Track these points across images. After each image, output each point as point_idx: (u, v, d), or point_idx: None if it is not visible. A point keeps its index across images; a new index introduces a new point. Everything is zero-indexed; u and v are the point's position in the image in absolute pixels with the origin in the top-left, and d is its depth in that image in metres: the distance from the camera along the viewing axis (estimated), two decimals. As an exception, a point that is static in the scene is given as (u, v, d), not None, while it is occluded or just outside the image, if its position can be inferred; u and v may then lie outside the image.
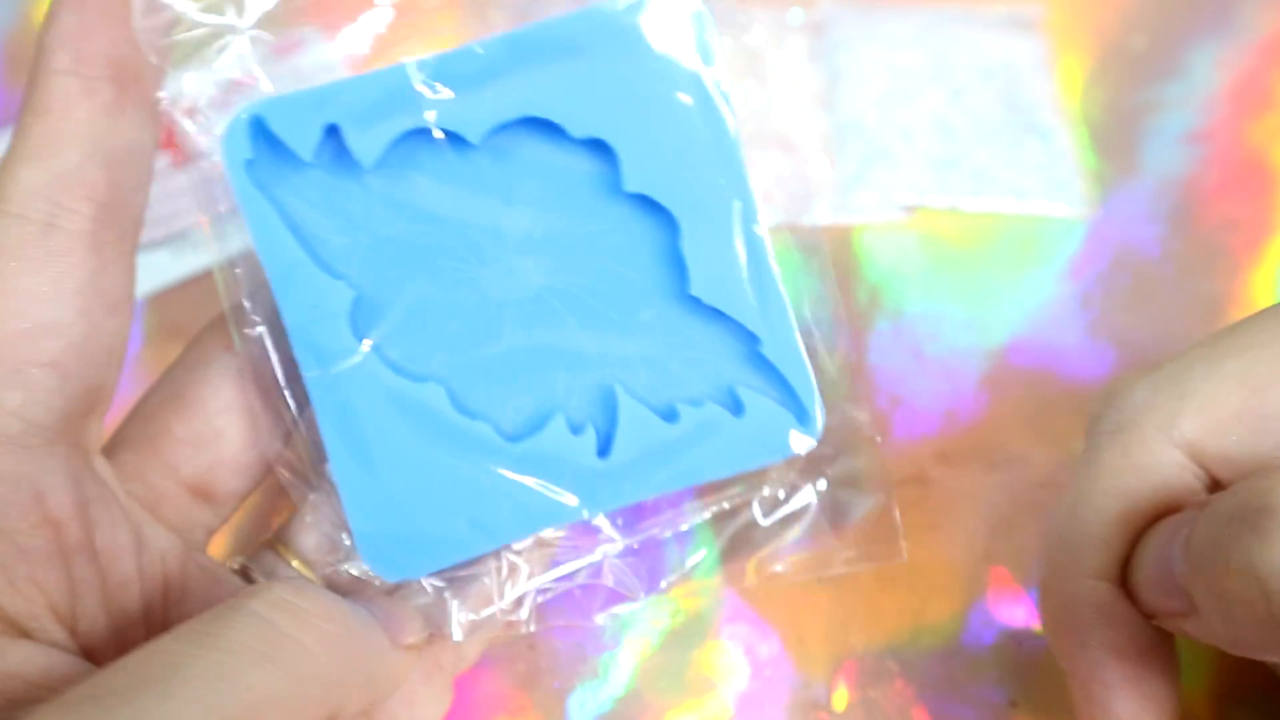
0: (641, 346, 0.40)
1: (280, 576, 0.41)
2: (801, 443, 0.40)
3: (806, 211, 0.46)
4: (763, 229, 0.40)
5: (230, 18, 0.38)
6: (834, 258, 0.43)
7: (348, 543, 0.40)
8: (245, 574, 0.41)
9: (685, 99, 0.39)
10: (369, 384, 0.38)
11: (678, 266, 0.40)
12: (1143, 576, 0.36)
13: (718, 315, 0.40)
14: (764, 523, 0.43)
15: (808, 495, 0.43)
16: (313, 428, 0.39)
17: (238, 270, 0.39)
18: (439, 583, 0.40)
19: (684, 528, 0.43)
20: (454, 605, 0.40)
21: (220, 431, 0.39)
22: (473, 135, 0.38)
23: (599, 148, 0.39)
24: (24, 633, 0.34)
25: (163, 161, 0.38)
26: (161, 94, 0.37)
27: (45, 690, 0.33)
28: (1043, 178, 0.55)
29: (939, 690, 0.44)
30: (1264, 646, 0.33)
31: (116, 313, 0.36)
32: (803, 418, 0.40)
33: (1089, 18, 0.60)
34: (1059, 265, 0.53)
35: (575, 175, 0.39)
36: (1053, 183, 0.55)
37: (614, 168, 0.39)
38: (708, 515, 0.43)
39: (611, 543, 0.42)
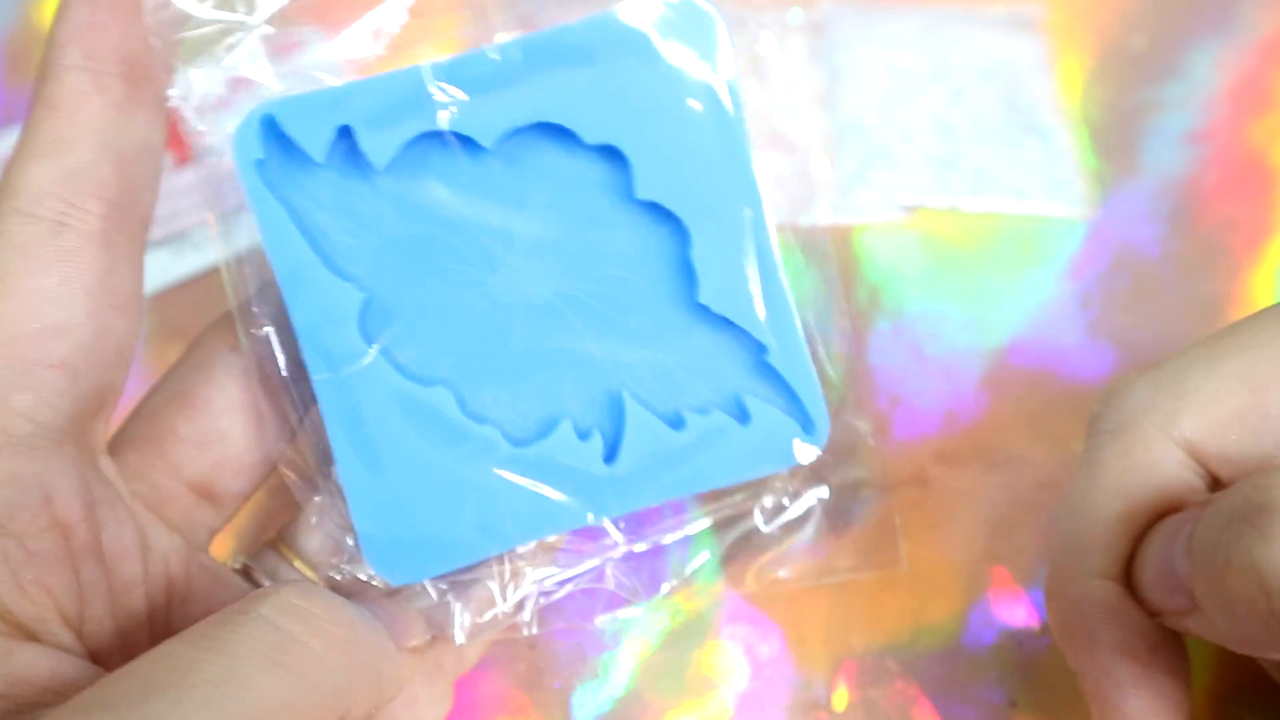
0: (649, 353, 0.40)
1: (283, 577, 0.41)
2: (806, 452, 0.41)
3: (806, 211, 0.46)
4: (772, 238, 0.40)
5: (240, 15, 0.38)
6: (834, 258, 0.43)
7: (352, 545, 0.40)
8: (247, 574, 0.41)
9: (698, 106, 0.39)
10: (377, 387, 0.39)
11: (687, 274, 0.40)
12: (1146, 575, 0.36)
13: (725, 323, 0.40)
14: (766, 529, 0.43)
15: (810, 502, 0.43)
16: (318, 429, 0.39)
17: (245, 269, 0.39)
18: (441, 585, 0.40)
19: (687, 533, 0.43)
20: (456, 608, 0.40)
21: (225, 432, 0.39)
22: (485, 139, 0.38)
23: (611, 154, 0.39)
24: (31, 636, 0.34)
25: (164, 160, 0.38)
26: (171, 91, 0.37)
27: (52, 694, 0.33)
28: (1043, 178, 0.55)
29: (939, 690, 0.44)
30: (1266, 644, 0.33)
31: (125, 313, 0.36)
32: (808, 427, 0.40)
33: (1089, 18, 0.60)
34: (1059, 265, 0.53)
35: (587, 181, 0.39)
36: (1053, 183, 0.55)
37: (626, 174, 0.39)
38: (710, 521, 0.43)
39: (614, 547, 0.42)
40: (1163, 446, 0.37)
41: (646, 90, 0.39)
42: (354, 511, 0.39)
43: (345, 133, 0.38)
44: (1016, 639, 0.45)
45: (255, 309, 0.39)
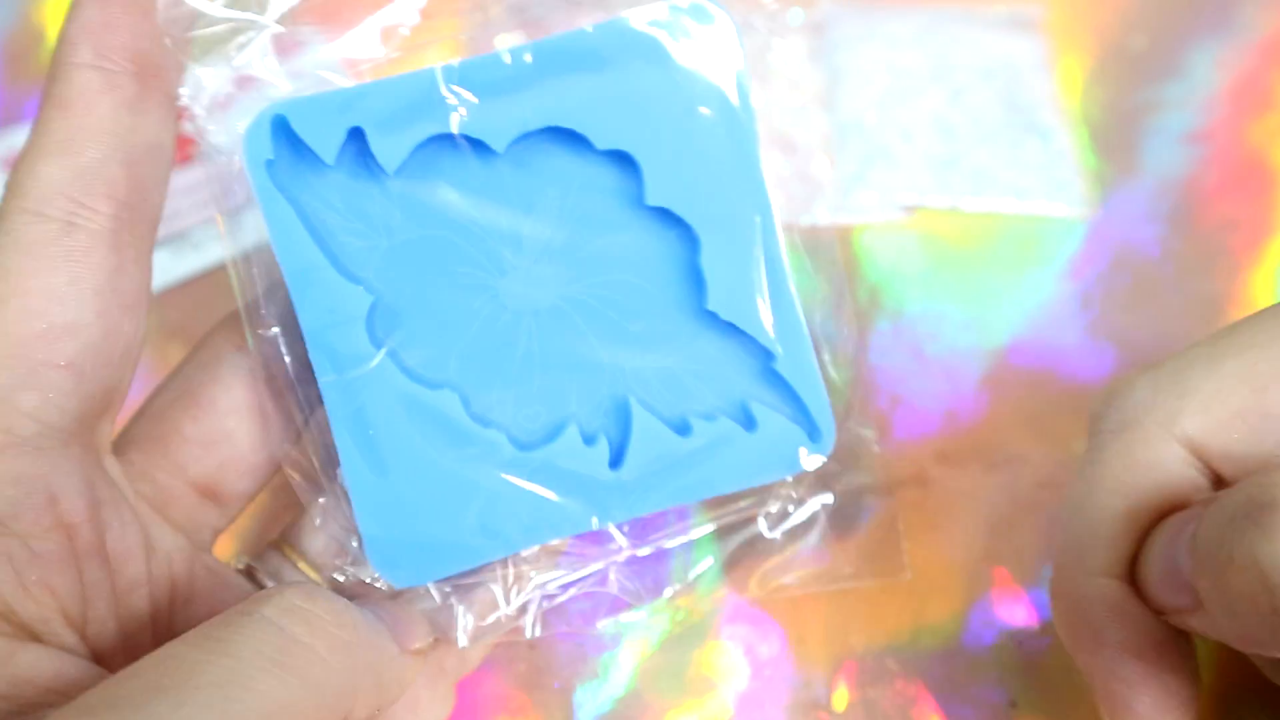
0: (656, 359, 0.40)
1: (286, 579, 0.41)
2: (812, 460, 0.41)
3: (807, 212, 0.46)
4: (781, 244, 0.40)
5: (252, 14, 0.38)
6: (841, 262, 0.43)
7: (355, 546, 0.40)
8: (250, 575, 0.41)
9: (709, 112, 0.39)
10: (383, 389, 0.38)
11: (695, 280, 0.40)
12: (1150, 573, 0.36)
13: (733, 330, 0.40)
14: (770, 535, 0.43)
15: (814, 509, 0.43)
16: (323, 429, 0.39)
17: (253, 270, 0.39)
18: (445, 588, 0.40)
19: (690, 538, 0.43)
20: (459, 611, 0.40)
21: (230, 432, 0.39)
22: (497, 143, 0.38)
23: (622, 160, 0.39)
24: (35, 636, 0.34)
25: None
26: (180, 90, 0.37)
27: (56, 695, 0.33)
28: (1043, 178, 0.55)
29: (939, 690, 0.44)
30: (1269, 641, 0.33)
31: (133, 313, 0.36)
32: (814, 435, 0.40)
33: (1089, 18, 0.60)
34: (1059, 265, 0.54)
35: (597, 186, 0.39)
36: (1053, 183, 0.55)
37: (636, 180, 0.39)
38: (714, 526, 0.43)
39: (618, 551, 0.42)
40: (1165, 445, 0.37)
41: (658, 96, 0.39)
42: (358, 513, 0.39)
43: (356, 134, 0.38)
44: (1016, 639, 0.45)
45: (262, 309, 0.39)
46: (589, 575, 0.42)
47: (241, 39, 0.38)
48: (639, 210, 0.39)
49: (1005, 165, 0.55)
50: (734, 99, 0.39)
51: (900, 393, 0.51)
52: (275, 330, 0.39)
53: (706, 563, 0.45)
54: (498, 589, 0.41)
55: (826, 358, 0.42)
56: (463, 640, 0.40)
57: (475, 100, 0.38)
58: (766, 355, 0.40)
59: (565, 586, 0.42)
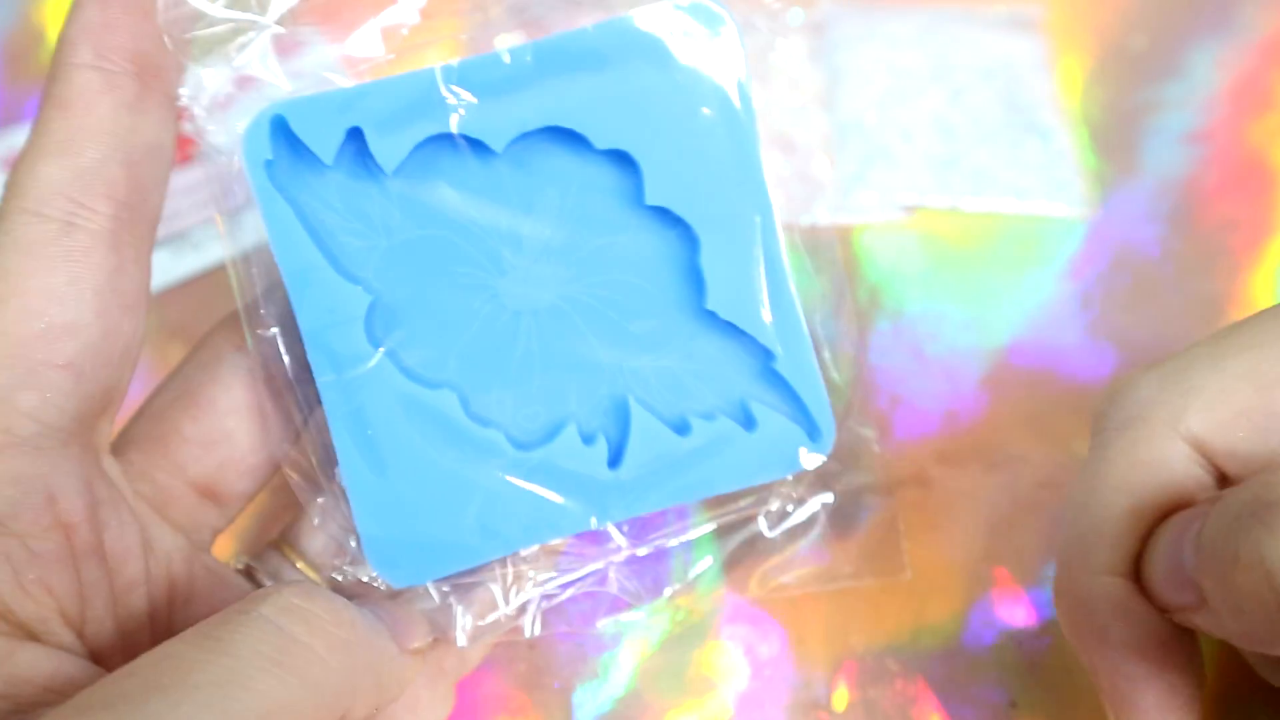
0: (656, 359, 0.40)
1: (285, 578, 0.41)
2: (812, 459, 0.41)
3: (807, 212, 0.46)
4: (781, 244, 0.40)
5: (253, 14, 0.38)
6: (841, 262, 0.43)
7: (354, 546, 0.40)
8: (250, 574, 0.41)
9: (710, 113, 0.39)
10: (382, 389, 0.38)
11: (695, 280, 0.40)
12: (1154, 571, 0.36)
13: (733, 330, 0.40)
14: (770, 535, 0.43)
15: (814, 508, 0.43)
16: (322, 429, 0.39)
17: (252, 270, 0.39)
18: (444, 588, 0.40)
19: (690, 537, 0.43)
20: (459, 610, 0.40)
21: (230, 432, 0.39)
22: (496, 143, 0.38)
23: (622, 159, 0.39)
24: (32, 636, 0.34)
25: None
26: (181, 90, 0.37)
27: (53, 694, 0.33)
28: (1043, 178, 0.55)
29: (939, 690, 0.44)
30: (1272, 640, 0.33)
31: (133, 313, 0.36)
32: (814, 434, 0.40)
33: (1089, 18, 0.60)
34: (1059, 265, 0.54)
35: (597, 186, 0.39)
36: (1053, 183, 0.55)
37: (636, 180, 0.39)
38: (714, 526, 0.43)
39: (617, 550, 0.42)
40: (1169, 443, 0.37)
41: (658, 96, 0.39)
42: (357, 513, 0.39)
43: (355, 134, 0.38)
44: (1016, 639, 0.45)
45: (261, 309, 0.39)
46: (588, 575, 0.42)
47: (242, 39, 0.38)
48: (639, 210, 0.39)
49: (1005, 165, 0.55)
50: (735, 99, 0.39)
51: (900, 393, 0.51)
52: (274, 330, 0.39)
53: (706, 562, 0.45)
54: (497, 589, 0.41)
55: (826, 357, 0.42)
56: (462, 640, 0.40)
57: (474, 100, 0.38)
58: (766, 355, 0.40)
59: (564, 586, 0.42)
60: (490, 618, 0.41)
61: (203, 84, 0.38)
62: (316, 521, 0.40)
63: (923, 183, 0.55)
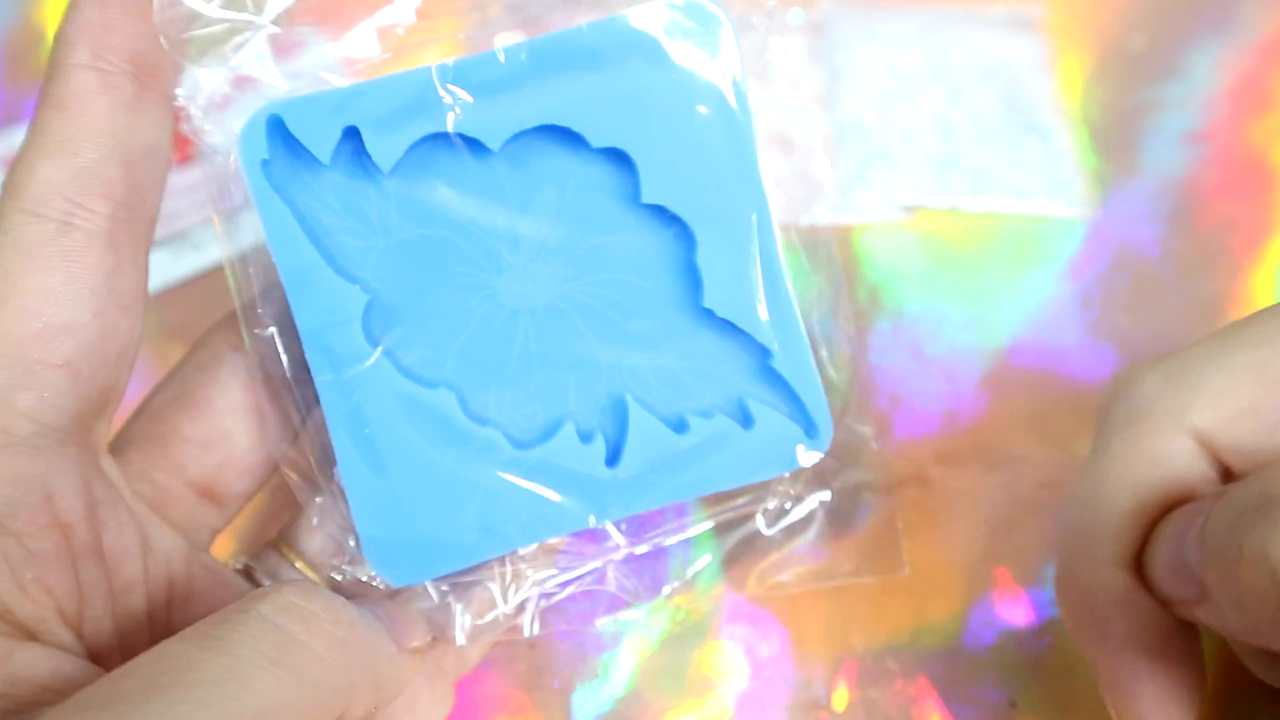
0: (653, 357, 0.40)
1: (284, 578, 0.41)
2: (809, 457, 0.41)
3: (807, 212, 0.46)
4: (778, 242, 0.40)
5: (249, 14, 0.38)
6: (839, 261, 0.43)
7: (353, 546, 0.40)
8: (249, 574, 0.41)
9: (705, 110, 0.39)
10: (380, 388, 0.38)
11: (692, 278, 0.40)
12: (1157, 565, 0.36)
13: (730, 327, 0.40)
14: (768, 533, 0.43)
15: (812, 506, 0.43)
16: (321, 429, 0.39)
17: (250, 270, 0.39)
18: (443, 587, 0.40)
19: (688, 535, 0.43)
20: (457, 609, 0.40)
21: (228, 432, 0.39)
22: (492, 142, 0.38)
23: (618, 158, 0.39)
24: (31, 635, 0.34)
25: (167, 159, 0.38)
26: (178, 90, 0.37)
27: (52, 693, 0.33)
28: (1043, 178, 0.55)
29: (939, 690, 0.44)
30: (1276, 635, 0.33)
31: (130, 313, 0.36)
32: (811, 432, 0.40)
33: (1089, 18, 0.60)
34: (1059, 265, 0.54)
35: (593, 185, 0.39)
36: (1053, 183, 0.55)
37: (632, 178, 0.39)
38: (712, 524, 0.43)
39: (616, 549, 0.42)
40: (1174, 437, 0.37)
41: (654, 94, 0.38)
42: (355, 512, 0.39)
43: (351, 134, 0.38)
44: (1016, 639, 0.45)
45: (259, 309, 0.39)
46: (587, 573, 0.42)
47: (238, 39, 0.38)
48: (635, 208, 0.39)
49: (1005, 165, 0.55)
50: (731, 97, 0.39)
51: (900, 392, 0.51)
52: (272, 330, 0.39)
53: (705, 560, 0.45)
54: (495, 587, 0.41)
55: (824, 355, 0.42)
56: (461, 639, 0.40)
57: (471, 99, 0.38)
58: (763, 352, 0.40)
59: (563, 585, 0.42)
60: (489, 616, 0.41)
61: (199, 84, 0.38)
62: (315, 521, 0.40)
63: (923, 183, 0.55)
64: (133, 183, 0.36)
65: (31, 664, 0.33)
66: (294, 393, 0.39)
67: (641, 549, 0.42)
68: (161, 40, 0.36)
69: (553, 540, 0.41)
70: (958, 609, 0.46)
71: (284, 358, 0.39)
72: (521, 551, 0.41)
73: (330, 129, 0.38)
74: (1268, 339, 0.37)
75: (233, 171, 0.38)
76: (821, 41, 0.58)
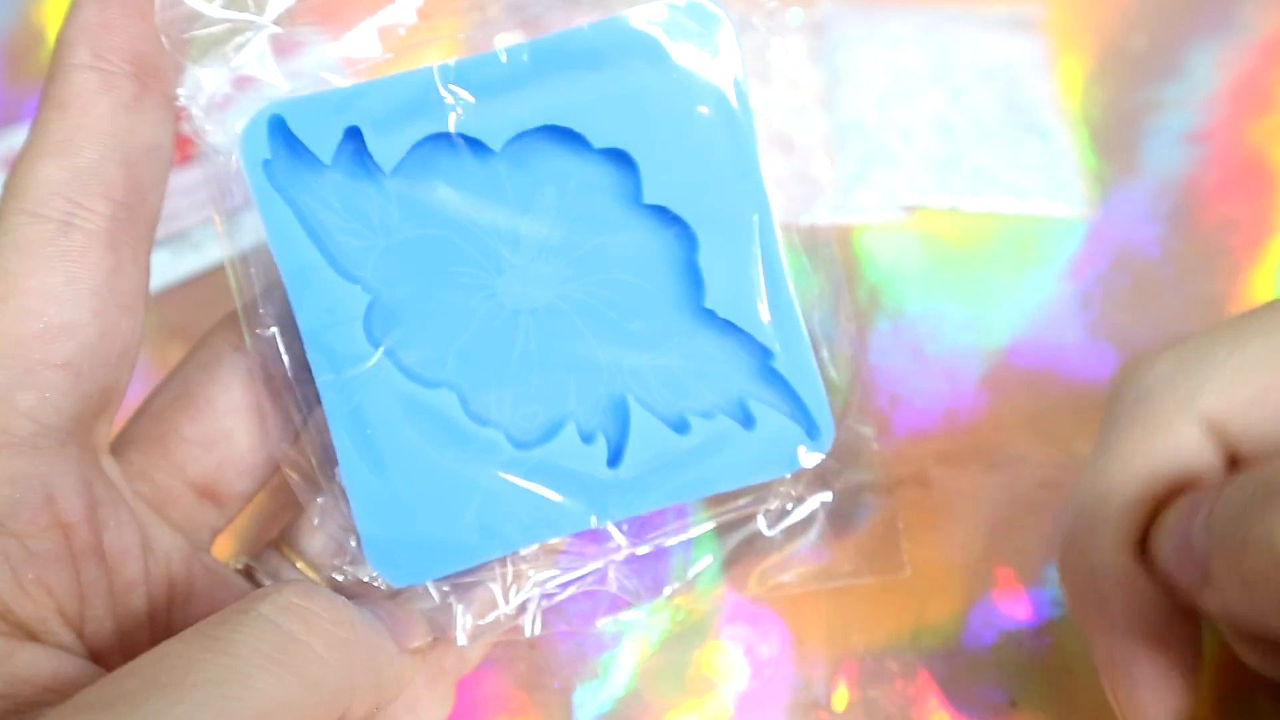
0: (654, 357, 0.40)
1: (285, 578, 0.41)
2: (810, 458, 0.41)
3: (807, 212, 0.46)
4: (779, 242, 0.40)
5: (250, 14, 0.38)
6: (840, 261, 0.43)
7: (354, 546, 0.40)
8: (249, 574, 0.41)
9: (706, 110, 0.39)
10: (382, 388, 0.38)
11: (694, 279, 0.40)
12: (1162, 550, 0.37)
13: (731, 328, 0.40)
14: (769, 533, 0.43)
15: (813, 507, 0.43)
16: (322, 429, 0.39)
17: (251, 270, 0.39)
18: (444, 587, 0.40)
19: (689, 536, 0.43)
20: (458, 610, 0.40)
21: (229, 432, 0.39)
22: (494, 142, 0.38)
23: (619, 158, 0.39)
24: (32, 635, 0.34)
25: (167, 159, 0.38)
26: (179, 90, 0.37)
27: (53, 693, 0.33)
28: (1043, 178, 0.55)
29: (939, 690, 0.44)
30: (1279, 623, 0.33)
31: (131, 313, 0.36)
32: (813, 432, 0.40)
33: (1089, 18, 0.60)
34: (1059, 265, 0.54)
35: (594, 185, 0.39)
36: (1053, 183, 0.55)
37: (634, 179, 0.39)
38: (713, 524, 0.43)
39: (617, 549, 0.42)
40: (1183, 424, 0.37)
41: (655, 94, 0.38)
42: (356, 513, 0.39)
43: (353, 134, 0.38)
44: (1016, 639, 0.45)
45: (260, 309, 0.39)
46: (588, 574, 0.42)
47: (239, 39, 0.38)
48: (636, 209, 0.39)
49: (1005, 165, 0.55)
50: (732, 98, 0.39)
51: (900, 393, 0.51)
52: (273, 330, 0.39)
53: (705, 561, 0.45)
54: (496, 588, 0.41)
55: (825, 356, 0.42)
56: (462, 639, 0.40)
57: (472, 99, 0.38)
58: (764, 353, 0.40)
59: (564, 585, 0.42)
60: (490, 617, 0.41)
61: (200, 84, 0.38)
62: (316, 521, 0.40)
63: (923, 183, 0.55)
64: (133, 183, 0.36)
65: (32, 664, 0.33)
66: (295, 393, 0.39)
67: (642, 549, 0.42)
68: (162, 40, 0.36)
69: (554, 541, 0.41)
70: (958, 609, 0.46)
71: (285, 357, 0.39)
72: (522, 552, 0.41)
73: (332, 129, 0.38)
74: (1278, 328, 0.37)
75: (234, 171, 0.38)
76: (821, 41, 0.58)
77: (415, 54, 0.39)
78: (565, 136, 0.39)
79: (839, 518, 0.44)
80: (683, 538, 0.43)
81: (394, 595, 0.40)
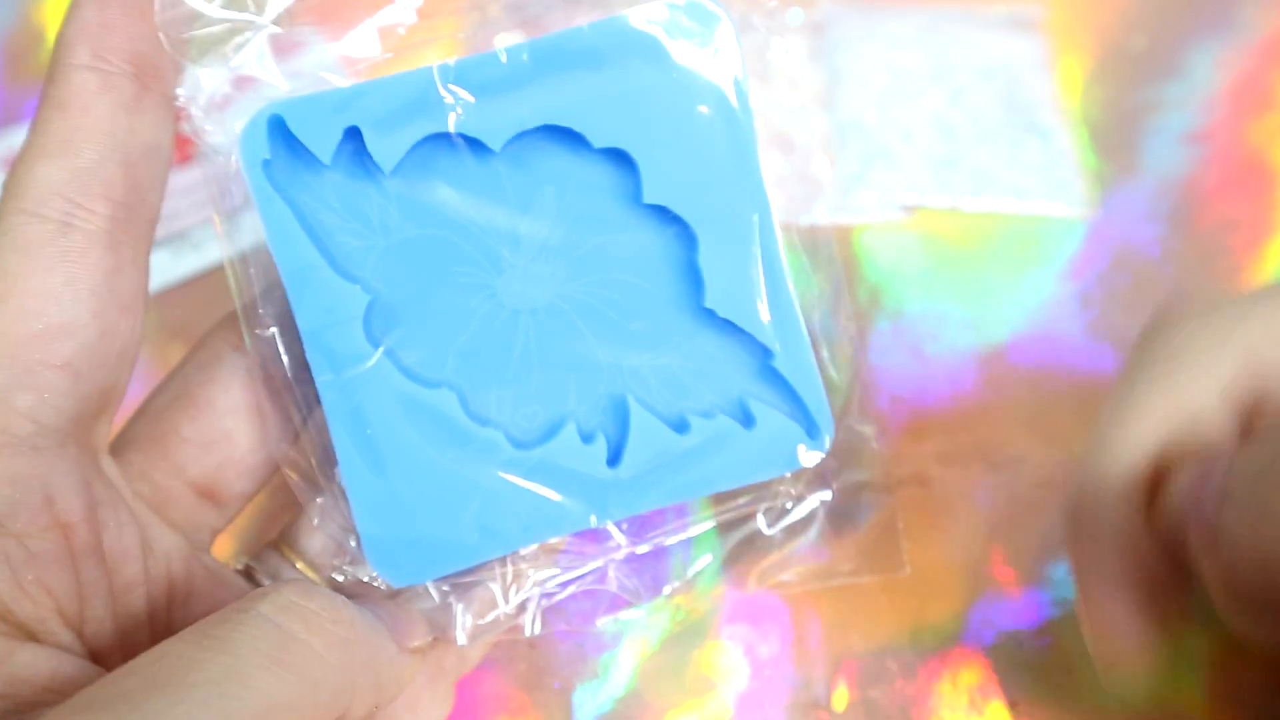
0: (654, 357, 0.40)
1: (285, 578, 0.41)
2: (810, 457, 0.40)
3: (807, 212, 0.46)
4: (779, 242, 0.40)
5: (250, 14, 0.38)
6: (840, 261, 0.43)
7: (354, 546, 0.40)
8: (249, 575, 0.41)
9: (706, 110, 0.39)
10: (381, 388, 0.38)
11: (693, 278, 0.40)
12: (1171, 509, 0.37)
13: (731, 328, 0.40)
14: (769, 532, 0.43)
15: (813, 505, 0.43)
16: (321, 429, 0.39)
17: (250, 270, 0.39)
18: (444, 587, 0.40)
19: (689, 535, 0.43)
20: (458, 609, 0.40)
21: (228, 433, 0.39)
22: (493, 142, 0.38)
23: (619, 158, 0.39)
24: (32, 636, 0.34)
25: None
26: (178, 90, 0.37)
27: (53, 694, 0.33)
28: (1043, 178, 0.55)
29: (939, 690, 0.44)
30: None
31: (130, 313, 0.36)
32: (812, 431, 0.40)
33: (1089, 18, 0.60)
34: (1059, 265, 0.54)
35: (594, 185, 0.39)
36: (1053, 183, 0.55)
37: (634, 178, 0.39)
38: (713, 523, 0.43)
39: (617, 549, 0.42)
40: (1205, 390, 0.38)
41: (655, 94, 0.38)
42: (356, 513, 0.39)
43: (352, 134, 0.38)
44: (1016, 639, 0.45)
45: (260, 309, 0.39)
46: (588, 573, 0.42)
47: (239, 39, 0.38)
48: (636, 208, 0.39)
49: (1005, 165, 0.55)
50: (732, 97, 0.39)
51: (900, 392, 0.51)
52: (273, 330, 0.39)
53: (705, 560, 0.45)
54: (496, 587, 0.41)
55: (825, 355, 0.42)
56: (462, 639, 0.40)
57: (472, 99, 0.38)
58: (764, 353, 0.40)
59: (564, 585, 0.42)
60: (490, 616, 0.41)
61: (200, 84, 0.38)
62: (316, 521, 0.40)
63: (923, 183, 0.55)
64: (133, 183, 0.36)
65: (32, 664, 0.33)
66: (295, 393, 0.39)
67: (642, 549, 0.42)
68: (162, 40, 0.36)
69: (553, 540, 0.41)
70: (958, 609, 0.46)
71: (285, 358, 0.39)
72: (522, 551, 0.41)
73: (331, 129, 0.38)
74: None
75: (233, 171, 0.38)
76: (821, 41, 0.58)
77: (415, 54, 0.39)
78: (565, 136, 0.39)
79: (839, 517, 0.44)
80: (682, 537, 0.43)
81: (394, 595, 0.40)
